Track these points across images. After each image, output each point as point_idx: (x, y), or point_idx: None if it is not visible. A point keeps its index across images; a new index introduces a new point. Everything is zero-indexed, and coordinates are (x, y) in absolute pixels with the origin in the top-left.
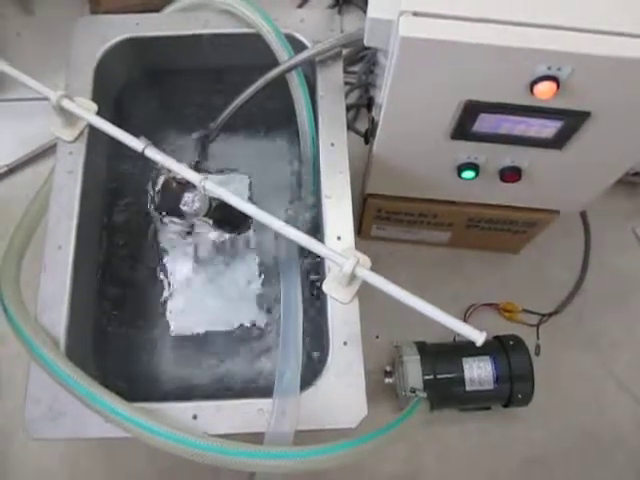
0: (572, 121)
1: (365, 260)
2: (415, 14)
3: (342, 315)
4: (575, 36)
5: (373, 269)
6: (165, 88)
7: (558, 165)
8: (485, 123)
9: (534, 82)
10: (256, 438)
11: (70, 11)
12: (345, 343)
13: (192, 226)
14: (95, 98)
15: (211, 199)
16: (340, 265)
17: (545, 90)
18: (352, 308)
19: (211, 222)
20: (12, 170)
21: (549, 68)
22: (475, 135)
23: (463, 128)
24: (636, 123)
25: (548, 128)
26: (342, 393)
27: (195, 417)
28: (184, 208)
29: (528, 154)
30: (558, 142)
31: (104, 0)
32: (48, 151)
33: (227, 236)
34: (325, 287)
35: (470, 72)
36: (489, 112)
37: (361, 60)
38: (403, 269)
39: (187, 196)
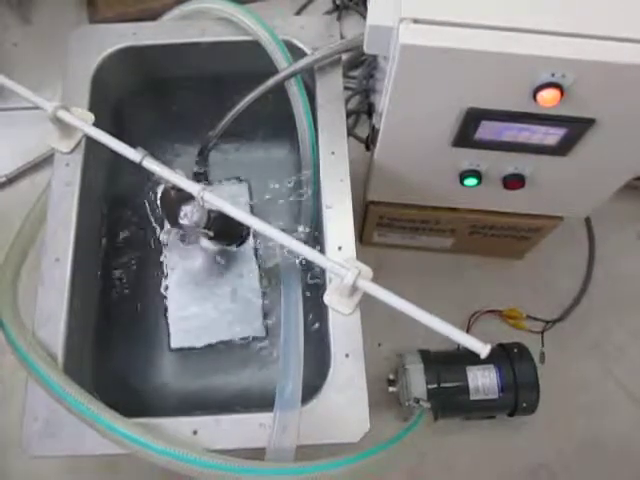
0: (576, 128)
1: (367, 271)
2: (415, 21)
3: (344, 327)
4: (579, 42)
5: (375, 279)
6: (163, 97)
7: (562, 172)
8: (487, 130)
9: (537, 89)
10: (257, 453)
11: (68, 20)
12: (347, 355)
13: (193, 237)
14: (92, 108)
15: (210, 210)
16: (341, 277)
17: (549, 97)
18: (354, 320)
19: (212, 234)
20: (11, 180)
21: (553, 75)
22: (477, 142)
23: (465, 135)
24: None
25: (552, 135)
26: (344, 407)
27: (195, 432)
28: (183, 221)
29: (531, 161)
30: (562, 149)
31: (102, 9)
32: (47, 161)
33: (227, 248)
34: (326, 299)
35: (472, 79)
36: (491, 119)
37: (362, 64)
38: (405, 275)
39: (185, 209)
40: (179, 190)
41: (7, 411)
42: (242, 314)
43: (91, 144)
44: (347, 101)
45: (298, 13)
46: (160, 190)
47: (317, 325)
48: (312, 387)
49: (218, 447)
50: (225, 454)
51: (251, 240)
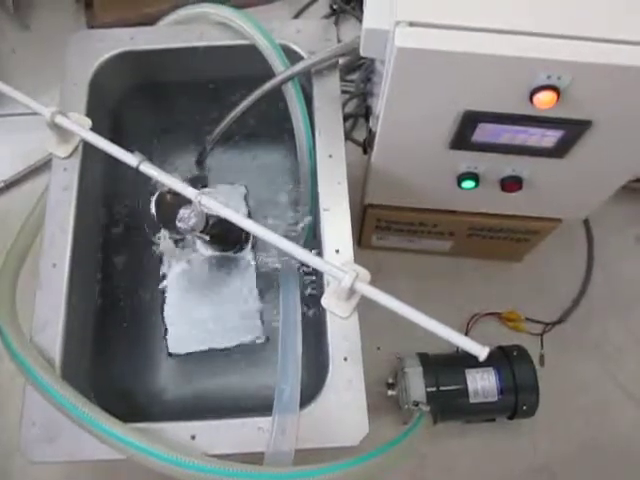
0: (573, 130)
1: (364, 274)
2: (411, 24)
3: (342, 330)
4: (575, 44)
5: (373, 282)
6: (161, 101)
7: (559, 174)
8: (485, 133)
9: (534, 92)
10: (256, 457)
11: (66, 25)
12: (345, 359)
13: (190, 242)
14: (90, 113)
15: (208, 215)
16: (339, 279)
17: (545, 100)
18: (352, 323)
19: (207, 238)
20: (9, 186)
21: (549, 77)
22: (475, 145)
23: (462, 138)
24: (638, 131)
25: (549, 137)
26: (343, 410)
27: (193, 437)
28: (180, 224)
29: (529, 163)
30: (559, 151)
31: (100, 14)
32: (45, 166)
33: (225, 253)
34: (324, 302)
35: (468, 82)
36: (488, 122)
37: (359, 68)
38: (404, 278)
39: (183, 212)
40: (175, 194)
41: (6, 416)
42: (240, 318)
43: (89, 149)
44: (344, 104)
45: (295, 17)
46: (157, 195)
47: (315, 328)
48: (311, 391)
49: (216, 452)
50: (223, 459)
51: (249, 244)
